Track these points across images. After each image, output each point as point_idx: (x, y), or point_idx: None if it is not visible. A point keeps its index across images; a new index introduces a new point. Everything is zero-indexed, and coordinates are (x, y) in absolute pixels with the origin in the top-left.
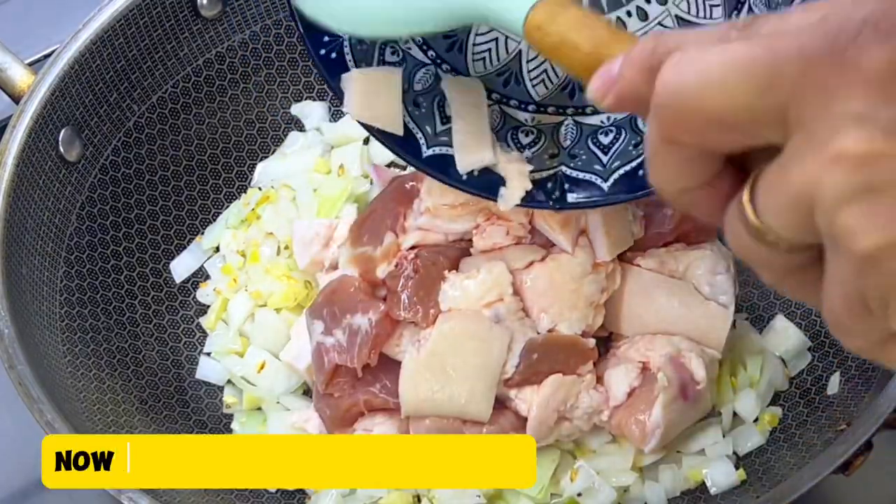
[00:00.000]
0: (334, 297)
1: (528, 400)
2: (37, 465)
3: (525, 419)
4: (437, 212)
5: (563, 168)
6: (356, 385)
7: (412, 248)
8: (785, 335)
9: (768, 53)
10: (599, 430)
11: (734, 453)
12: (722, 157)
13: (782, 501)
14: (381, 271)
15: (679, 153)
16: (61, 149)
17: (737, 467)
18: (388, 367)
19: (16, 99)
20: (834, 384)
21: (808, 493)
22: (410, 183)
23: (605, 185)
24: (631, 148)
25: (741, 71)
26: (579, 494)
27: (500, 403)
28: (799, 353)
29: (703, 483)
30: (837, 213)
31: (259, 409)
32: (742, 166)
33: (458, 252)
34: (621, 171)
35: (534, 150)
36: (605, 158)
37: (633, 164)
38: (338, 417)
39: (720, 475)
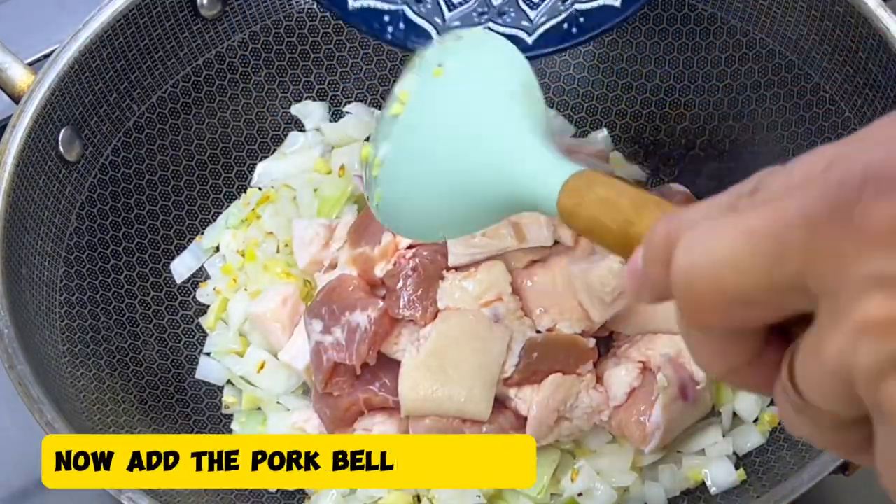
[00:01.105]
0: (333, 296)
1: (528, 399)
2: (37, 465)
3: (525, 419)
4: None
5: (491, 24)
6: (355, 384)
7: (410, 247)
8: None
9: (773, 223)
10: (599, 430)
11: (734, 453)
12: (759, 331)
13: (782, 501)
14: (380, 270)
15: (712, 336)
16: (61, 148)
17: (737, 467)
18: (388, 366)
19: (15, 99)
20: None
21: (808, 493)
22: None
23: (530, 40)
24: (559, 3)
25: (748, 246)
26: (580, 494)
27: (500, 403)
28: None
29: (703, 483)
30: (878, 386)
31: (259, 409)
32: (785, 332)
33: None
34: (547, 26)
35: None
36: (532, 14)
37: (559, 18)
38: (337, 417)
39: (720, 475)
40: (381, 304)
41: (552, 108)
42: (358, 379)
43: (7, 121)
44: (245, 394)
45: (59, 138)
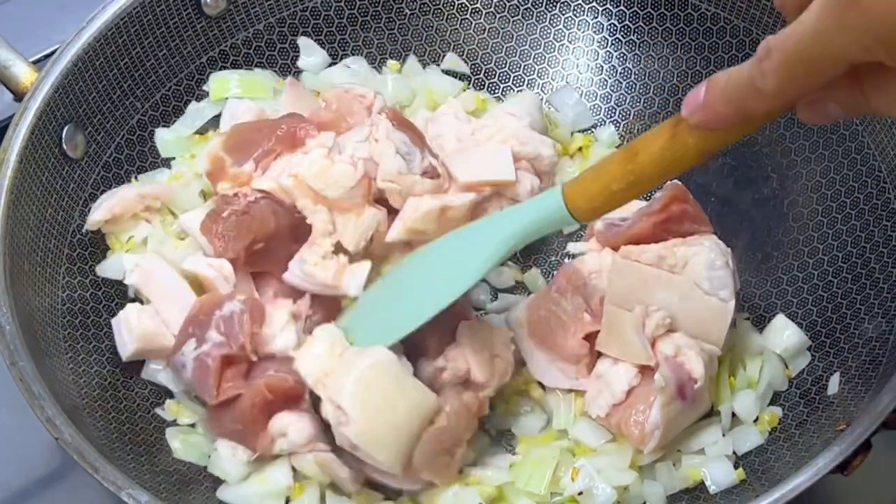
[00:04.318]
0: (195, 312)
1: (457, 358)
2: (37, 464)
3: (471, 381)
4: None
5: None
6: (249, 374)
7: (259, 190)
8: (785, 334)
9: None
10: (599, 429)
11: (733, 453)
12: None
13: (782, 501)
14: (222, 188)
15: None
16: (64, 146)
17: (736, 467)
18: (276, 360)
19: (19, 96)
20: (834, 384)
21: (807, 493)
22: (303, 127)
23: None
24: None
25: (818, 28)
26: (580, 493)
27: (436, 385)
28: (799, 352)
29: (703, 482)
30: None
31: None
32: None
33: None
34: None
35: None
36: None
37: None
38: (248, 421)
39: (719, 474)
40: (247, 287)
41: (556, 109)
42: (251, 368)
43: (10, 118)
44: None
45: (63, 135)
